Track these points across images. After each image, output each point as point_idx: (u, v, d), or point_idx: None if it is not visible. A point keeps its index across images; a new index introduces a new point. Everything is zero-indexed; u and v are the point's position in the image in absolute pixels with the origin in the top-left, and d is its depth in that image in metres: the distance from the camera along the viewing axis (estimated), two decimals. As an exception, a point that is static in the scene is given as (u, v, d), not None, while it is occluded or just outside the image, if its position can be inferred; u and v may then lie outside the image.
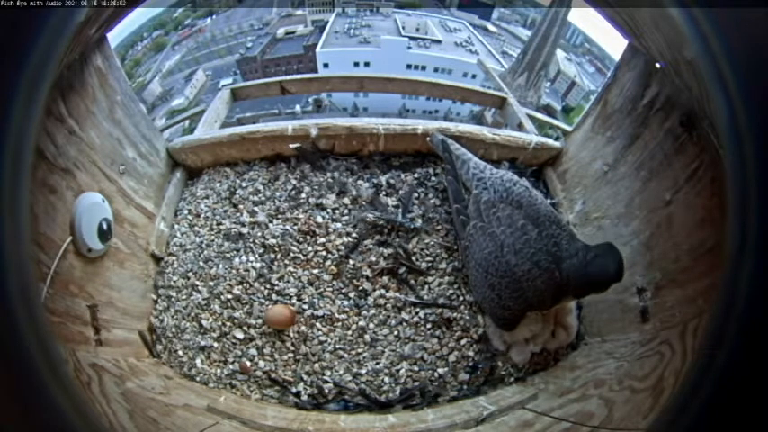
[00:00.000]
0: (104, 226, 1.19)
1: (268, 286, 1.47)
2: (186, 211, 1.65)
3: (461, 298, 1.44)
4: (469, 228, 1.33)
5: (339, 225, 1.55)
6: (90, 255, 1.16)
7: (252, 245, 1.52)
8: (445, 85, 3.12)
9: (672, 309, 1.07)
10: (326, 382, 1.36)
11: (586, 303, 1.41)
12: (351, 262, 1.49)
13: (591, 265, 1.11)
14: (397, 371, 1.37)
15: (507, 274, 1.20)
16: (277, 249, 1.51)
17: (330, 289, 1.47)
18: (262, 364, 1.39)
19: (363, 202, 1.58)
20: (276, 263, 1.50)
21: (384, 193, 1.61)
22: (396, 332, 1.42)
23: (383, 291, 1.46)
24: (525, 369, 1.36)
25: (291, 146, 1.64)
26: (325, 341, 1.41)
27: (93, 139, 1.21)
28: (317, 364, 1.38)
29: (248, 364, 1.38)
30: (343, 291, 1.47)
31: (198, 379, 1.38)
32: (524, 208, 1.27)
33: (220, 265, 1.50)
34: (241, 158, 1.71)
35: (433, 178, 1.65)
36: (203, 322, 1.43)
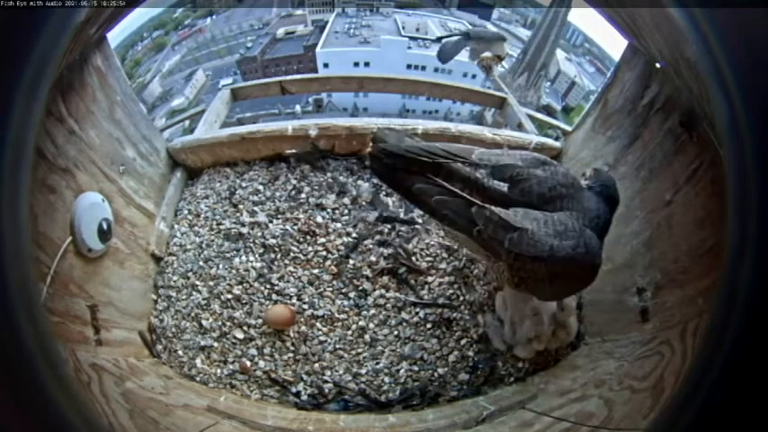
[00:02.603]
0: (104, 226, 1.19)
1: (268, 286, 1.47)
2: (186, 211, 1.65)
3: (461, 298, 1.44)
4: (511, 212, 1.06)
5: (339, 225, 1.55)
6: (90, 255, 1.16)
7: (252, 245, 1.52)
8: (445, 85, 3.11)
9: (672, 309, 1.07)
10: (326, 382, 1.36)
11: (586, 303, 1.41)
12: (351, 262, 1.49)
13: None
14: (397, 371, 1.36)
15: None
16: (277, 249, 1.51)
17: (330, 289, 1.47)
18: (262, 364, 1.38)
19: (363, 202, 1.58)
20: (276, 263, 1.50)
21: (384, 192, 1.61)
22: (396, 332, 1.42)
23: (383, 291, 1.46)
24: (525, 369, 1.36)
25: (288, 151, 1.64)
26: (325, 341, 1.41)
27: (92, 139, 1.21)
28: (316, 364, 1.38)
29: (248, 364, 1.38)
30: (343, 291, 1.47)
31: (198, 379, 1.37)
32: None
33: (220, 265, 1.50)
34: (241, 158, 1.71)
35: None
36: (203, 322, 1.43)
